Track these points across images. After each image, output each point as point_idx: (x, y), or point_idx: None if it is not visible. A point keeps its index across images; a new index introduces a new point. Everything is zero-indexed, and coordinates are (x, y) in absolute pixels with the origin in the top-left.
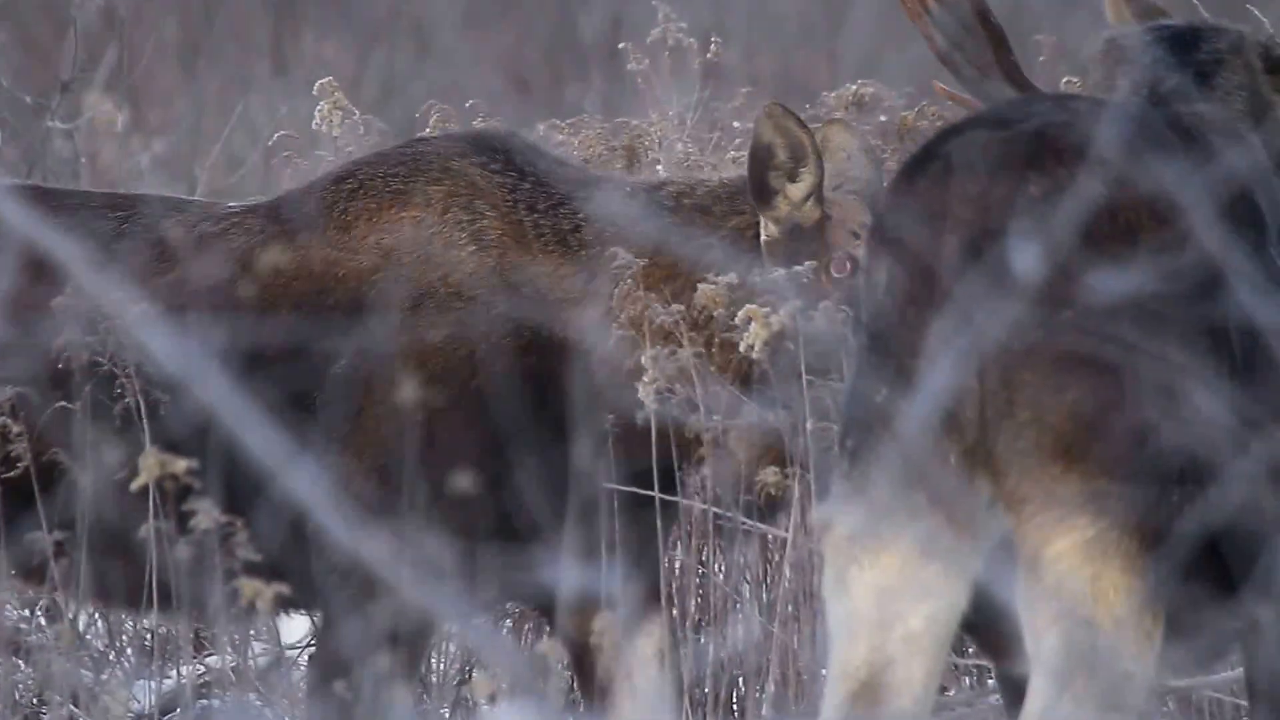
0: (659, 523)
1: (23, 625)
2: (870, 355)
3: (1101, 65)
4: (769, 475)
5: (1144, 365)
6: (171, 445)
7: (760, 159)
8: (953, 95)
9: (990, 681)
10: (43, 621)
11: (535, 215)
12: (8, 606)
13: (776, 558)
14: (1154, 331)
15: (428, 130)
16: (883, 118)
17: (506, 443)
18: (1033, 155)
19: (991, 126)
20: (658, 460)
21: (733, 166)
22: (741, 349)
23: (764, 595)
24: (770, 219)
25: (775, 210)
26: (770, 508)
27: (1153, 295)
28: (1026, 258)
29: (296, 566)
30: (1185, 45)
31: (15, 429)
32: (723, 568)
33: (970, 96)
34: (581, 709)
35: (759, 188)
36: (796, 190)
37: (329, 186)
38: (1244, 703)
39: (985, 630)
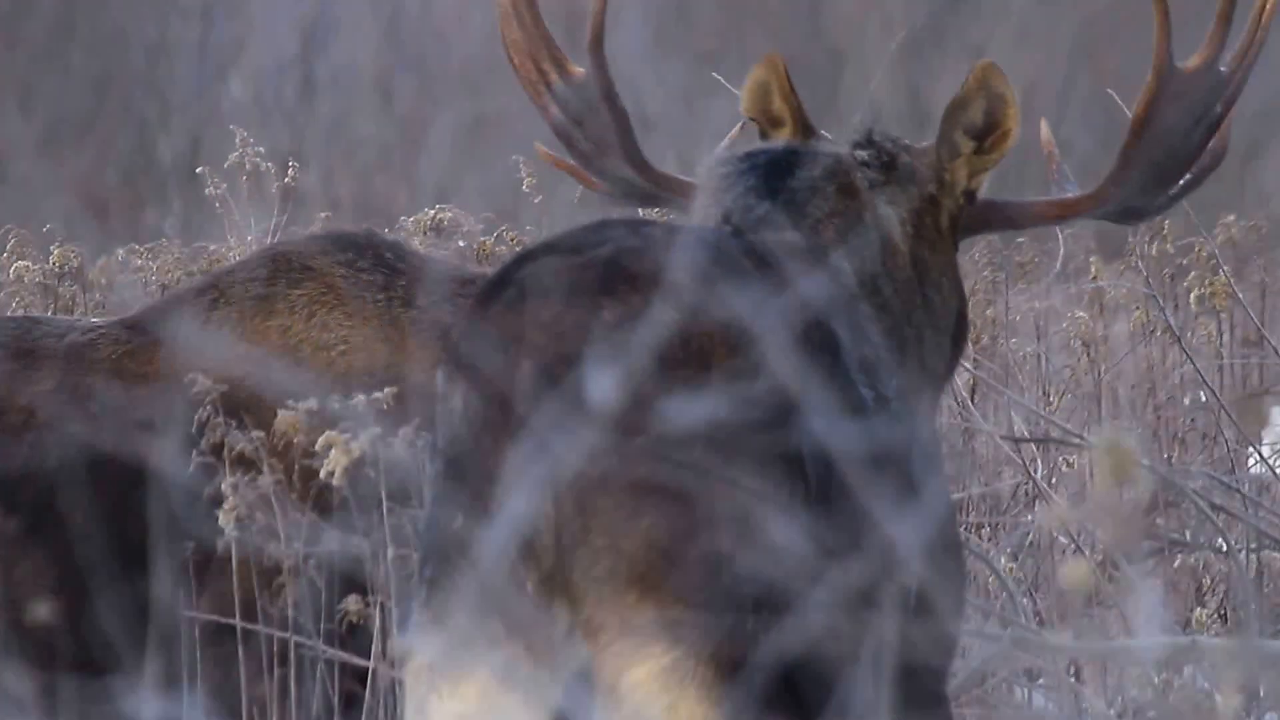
0: (240, 651)
1: None
2: (447, 482)
3: (701, 189)
4: (350, 604)
5: (718, 493)
6: None
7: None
8: (558, 162)
9: None
10: None
11: (413, 312)
12: None
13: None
14: (728, 459)
15: (3, 257)
16: (461, 242)
17: (85, 571)
18: (606, 281)
19: (565, 252)
20: (239, 588)
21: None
22: (322, 475)
23: None
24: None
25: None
26: (352, 636)
27: (726, 423)
28: (600, 385)
29: None
30: (779, 172)
31: None
32: (304, 697)
33: (580, 168)
34: None
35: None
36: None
37: (192, 300)
38: None
39: None
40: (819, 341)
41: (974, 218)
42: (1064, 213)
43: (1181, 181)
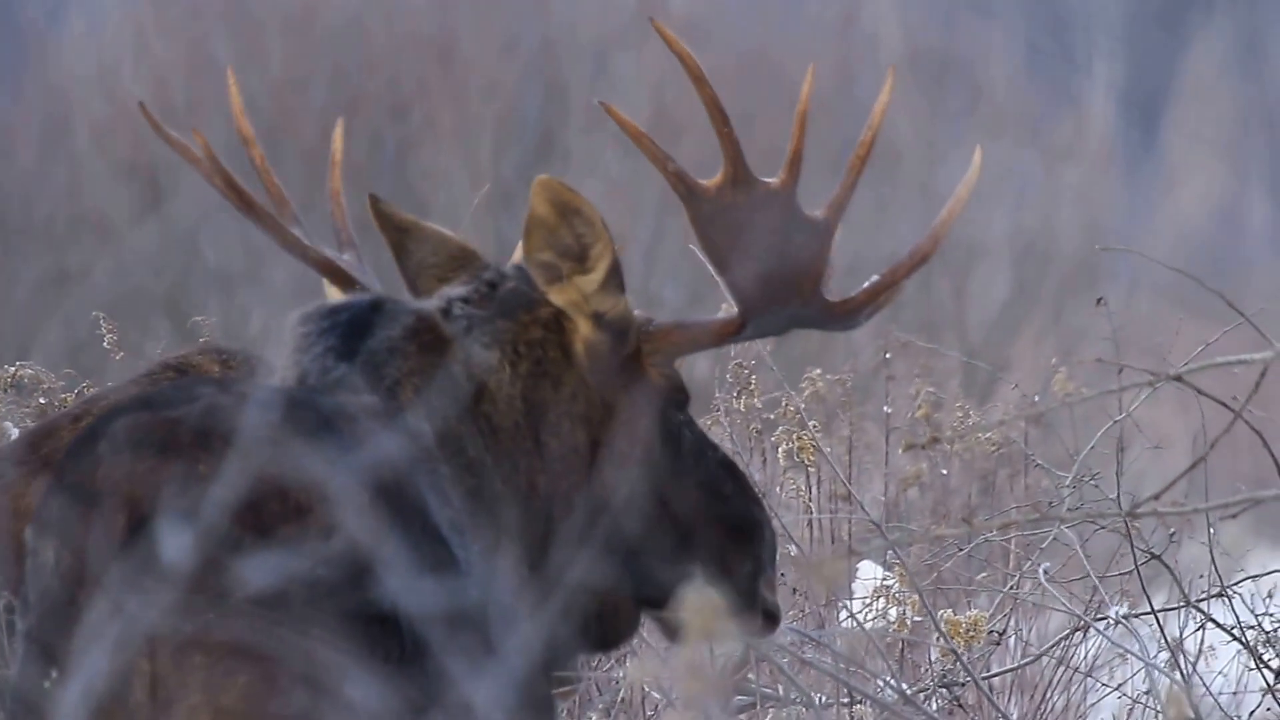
0: None
1: None
2: (39, 638)
3: (285, 347)
4: None
5: (299, 653)
6: None
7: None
8: (168, 136)
9: None
10: None
11: None
12: None
13: None
14: (305, 619)
15: None
16: (42, 399)
17: None
18: (184, 441)
19: (151, 409)
20: None
21: None
22: None
23: None
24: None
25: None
26: None
27: (301, 583)
28: (178, 543)
29: None
30: (359, 332)
31: None
32: None
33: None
34: None
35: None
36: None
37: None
38: None
39: None
40: (398, 502)
41: (668, 342)
42: (725, 331)
43: (867, 284)
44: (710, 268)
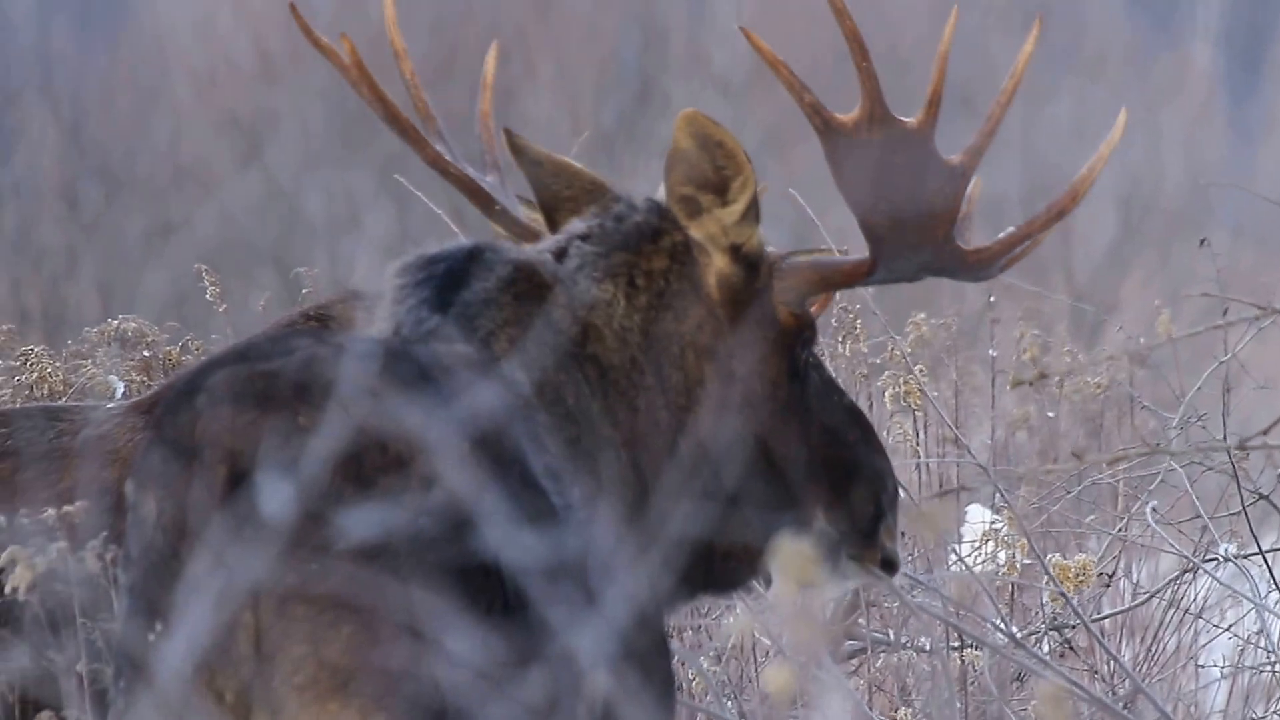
0: None
1: None
2: (141, 592)
3: (381, 298)
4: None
5: (398, 605)
6: None
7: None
8: (316, 40)
9: None
10: None
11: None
12: None
13: None
14: (405, 572)
15: None
16: (146, 352)
17: None
18: (284, 393)
19: (249, 361)
20: None
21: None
22: (6, 592)
23: None
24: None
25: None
26: None
27: (403, 535)
28: (279, 496)
29: None
30: (455, 283)
31: None
32: None
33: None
34: None
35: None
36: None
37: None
38: None
39: None
40: (500, 453)
41: (800, 280)
42: (857, 272)
43: (1003, 235)
44: (846, 204)
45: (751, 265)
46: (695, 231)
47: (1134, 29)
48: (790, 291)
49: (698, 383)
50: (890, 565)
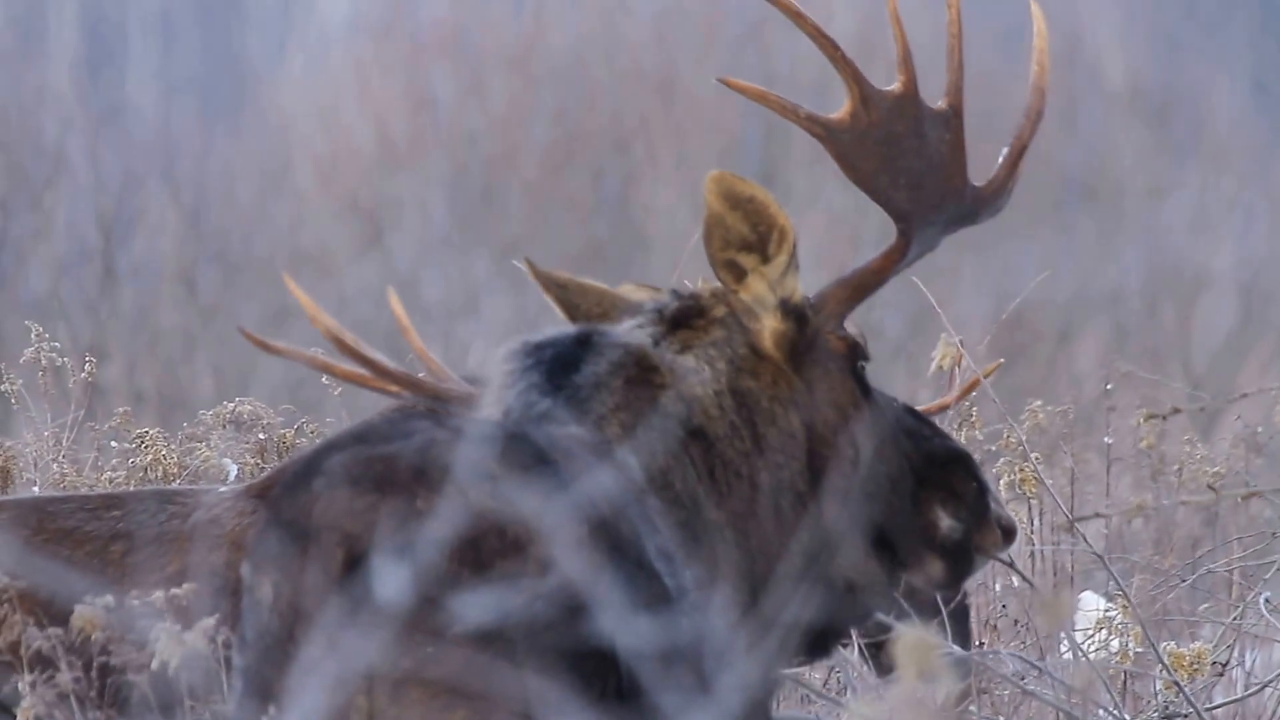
0: None
1: None
2: (256, 674)
3: (489, 383)
4: None
5: (512, 690)
6: None
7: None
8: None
9: None
10: None
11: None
12: None
13: None
14: (519, 657)
15: None
16: (261, 435)
17: None
18: (402, 477)
19: (367, 444)
20: None
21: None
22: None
23: None
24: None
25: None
26: None
27: (519, 620)
28: (395, 580)
29: None
30: (564, 367)
31: None
32: None
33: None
34: None
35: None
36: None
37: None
38: None
39: None
40: (612, 536)
41: (836, 303)
42: (887, 261)
43: (1002, 159)
44: (870, 198)
45: (800, 315)
46: (744, 294)
47: (1258, 119)
48: (831, 320)
49: (790, 435)
50: (1010, 532)
